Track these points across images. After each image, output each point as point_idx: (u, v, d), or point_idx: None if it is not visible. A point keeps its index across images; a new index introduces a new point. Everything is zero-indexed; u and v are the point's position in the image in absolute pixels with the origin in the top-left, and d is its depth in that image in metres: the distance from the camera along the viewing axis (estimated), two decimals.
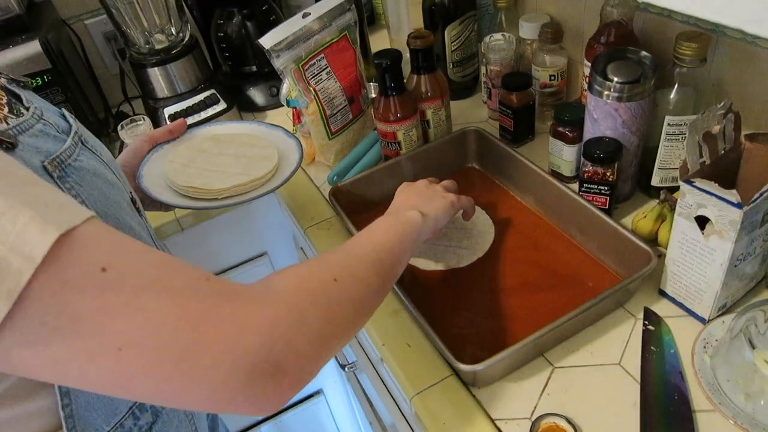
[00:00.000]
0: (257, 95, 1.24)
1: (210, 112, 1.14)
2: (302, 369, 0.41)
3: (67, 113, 0.53)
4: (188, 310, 0.37)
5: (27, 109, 0.47)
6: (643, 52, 0.73)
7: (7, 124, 0.43)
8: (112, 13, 1.09)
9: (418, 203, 0.70)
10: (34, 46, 1.02)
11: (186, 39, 1.15)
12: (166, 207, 0.77)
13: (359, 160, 0.98)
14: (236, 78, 1.25)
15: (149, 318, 0.35)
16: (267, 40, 0.88)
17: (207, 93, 1.16)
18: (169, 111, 1.14)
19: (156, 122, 1.14)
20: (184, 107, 1.14)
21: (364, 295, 0.51)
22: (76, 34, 1.27)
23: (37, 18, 1.13)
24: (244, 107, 1.23)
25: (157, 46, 1.13)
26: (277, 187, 0.78)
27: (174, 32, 1.14)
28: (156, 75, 1.13)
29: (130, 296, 0.35)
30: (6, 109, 0.44)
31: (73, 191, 0.45)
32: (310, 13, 0.92)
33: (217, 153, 0.82)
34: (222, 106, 1.15)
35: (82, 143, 0.50)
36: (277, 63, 0.90)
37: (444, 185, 0.78)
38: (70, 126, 0.51)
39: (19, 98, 0.47)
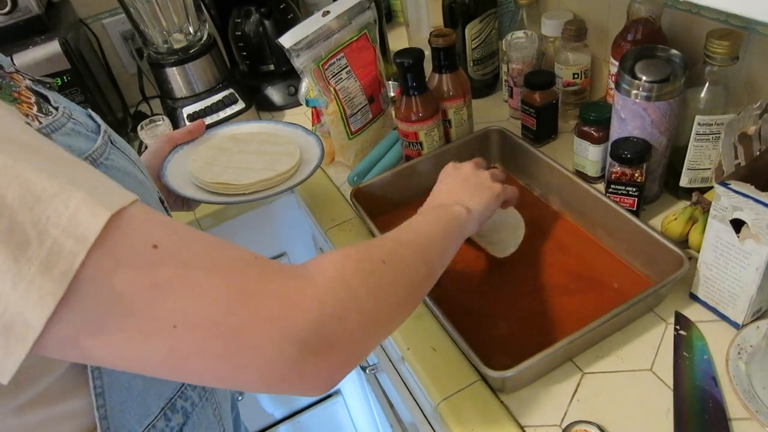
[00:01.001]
0: (275, 94, 1.23)
1: (228, 111, 1.14)
2: (352, 348, 0.41)
3: (93, 113, 0.53)
4: (239, 286, 0.36)
5: (56, 108, 0.46)
6: (673, 50, 0.71)
7: (39, 122, 0.43)
8: (130, 13, 1.09)
9: (464, 196, 0.67)
10: (53, 47, 1.02)
11: (204, 38, 1.15)
12: (188, 206, 0.77)
13: (379, 160, 0.97)
14: (254, 77, 1.25)
15: (201, 295, 0.35)
16: (287, 40, 0.87)
17: (225, 92, 1.15)
18: (187, 111, 1.13)
19: (174, 122, 1.13)
20: (203, 107, 1.13)
21: (413, 280, 0.50)
22: (94, 34, 1.27)
23: (56, 18, 1.13)
24: (262, 106, 1.23)
25: (176, 46, 1.12)
26: (304, 180, 0.79)
27: (192, 31, 1.14)
28: (174, 74, 1.13)
29: (182, 272, 0.35)
30: (35, 108, 0.44)
31: None
32: (329, 12, 0.91)
33: (239, 151, 0.83)
34: (240, 105, 1.14)
35: (111, 143, 0.50)
36: (297, 62, 0.89)
37: (492, 173, 0.74)
38: (99, 126, 0.51)
39: (46, 98, 0.47)
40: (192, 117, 1.12)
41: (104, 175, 0.37)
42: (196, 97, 1.14)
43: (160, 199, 0.58)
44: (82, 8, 1.27)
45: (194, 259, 0.36)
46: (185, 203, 0.76)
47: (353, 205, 0.86)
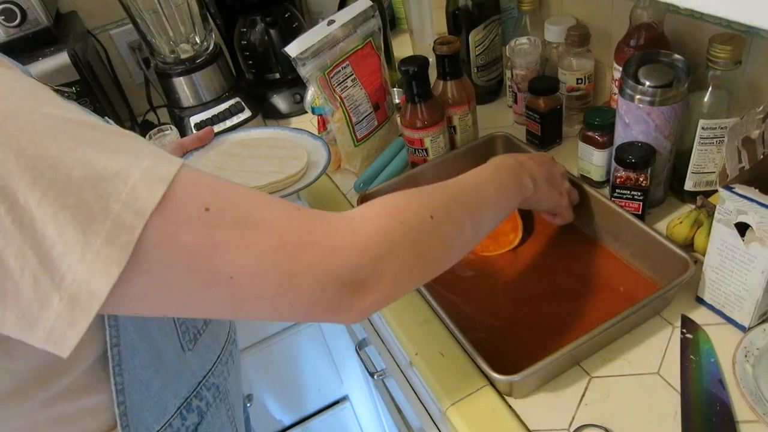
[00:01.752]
0: (281, 102, 1.24)
1: (235, 120, 1.15)
2: (387, 291, 0.45)
3: (110, 120, 0.55)
4: (286, 237, 0.40)
5: None
6: (676, 55, 0.72)
7: None
8: (137, 23, 1.10)
9: (539, 174, 0.68)
10: (62, 58, 1.04)
11: (210, 48, 1.16)
12: None
13: (385, 166, 0.98)
14: (260, 85, 1.26)
15: (252, 249, 0.38)
16: (293, 49, 0.88)
17: (232, 101, 1.16)
18: (194, 119, 1.15)
19: (182, 131, 1.15)
20: (210, 116, 1.14)
21: (456, 239, 0.52)
22: (101, 45, 1.29)
23: (65, 29, 1.14)
24: (268, 114, 1.24)
25: (183, 56, 1.14)
26: (313, 181, 0.81)
27: (198, 41, 1.15)
28: (181, 84, 1.14)
29: (233, 231, 0.38)
30: None
31: None
32: (334, 21, 0.92)
33: (248, 156, 0.85)
34: (247, 113, 1.16)
35: None
36: (303, 71, 0.90)
37: (570, 189, 0.76)
38: None
39: None
40: (199, 126, 1.14)
41: (152, 145, 0.39)
42: (203, 106, 1.16)
43: None
44: (90, 20, 1.29)
45: (243, 217, 0.39)
46: None
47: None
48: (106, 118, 0.56)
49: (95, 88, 1.10)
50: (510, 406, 0.62)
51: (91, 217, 0.33)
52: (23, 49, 1.04)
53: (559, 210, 0.74)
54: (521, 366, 0.59)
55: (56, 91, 0.52)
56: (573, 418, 0.60)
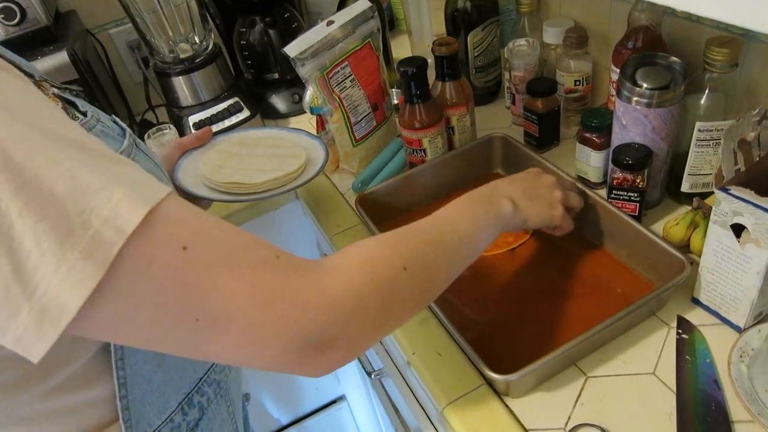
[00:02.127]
0: (280, 102, 1.24)
1: (234, 119, 1.15)
2: (352, 348, 0.45)
3: (117, 119, 0.56)
4: (257, 288, 0.40)
5: (84, 114, 0.48)
6: (673, 58, 0.72)
7: None
8: (137, 23, 1.11)
9: (516, 193, 0.66)
10: (61, 57, 1.04)
11: (210, 48, 1.16)
12: (198, 201, 0.81)
13: (384, 166, 0.98)
14: (258, 85, 1.26)
15: (223, 294, 0.38)
16: (292, 49, 0.88)
17: (230, 101, 1.16)
18: (193, 119, 1.15)
19: (181, 130, 1.15)
20: (208, 115, 1.15)
21: (428, 288, 0.52)
22: (100, 44, 1.29)
23: (64, 28, 1.14)
24: (266, 114, 1.24)
25: (182, 55, 1.14)
26: (312, 177, 0.83)
27: (198, 41, 1.15)
28: (180, 83, 1.15)
29: (208, 274, 0.38)
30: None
31: None
32: (333, 21, 0.92)
33: (247, 154, 0.86)
34: (245, 113, 1.16)
35: (135, 145, 0.53)
36: (302, 71, 0.90)
37: (564, 196, 0.72)
38: (124, 129, 0.54)
39: (74, 104, 0.50)
40: (198, 125, 1.14)
41: (141, 169, 0.40)
42: (202, 106, 1.16)
43: None
44: (89, 18, 1.29)
45: (219, 260, 0.39)
46: (196, 204, 0.78)
47: (358, 211, 0.87)
48: (113, 116, 0.56)
49: (94, 87, 1.10)
50: (507, 406, 0.63)
51: (71, 230, 0.33)
52: (22, 48, 1.04)
53: (554, 223, 0.70)
54: (518, 366, 0.59)
55: (65, 88, 0.52)
56: (569, 417, 0.61)
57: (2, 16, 1.00)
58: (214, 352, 0.40)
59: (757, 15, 0.36)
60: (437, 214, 0.58)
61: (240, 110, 1.16)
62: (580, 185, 0.80)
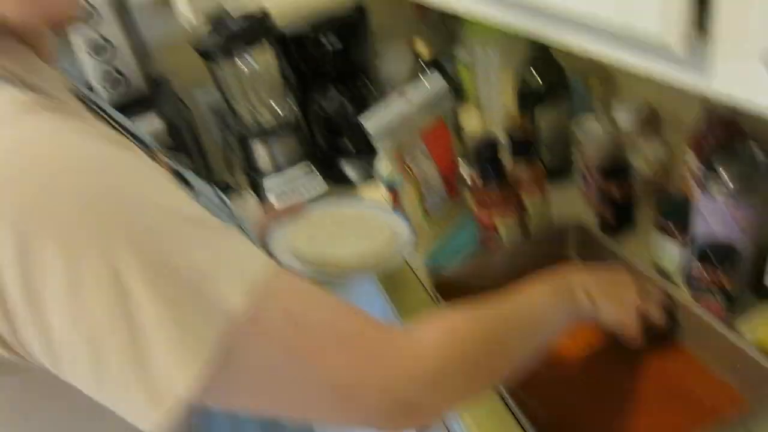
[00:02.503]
0: (352, 170, 1.27)
1: (309, 188, 1.19)
2: (435, 413, 0.50)
3: (219, 191, 0.60)
4: (358, 356, 0.44)
5: (191, 187, 0.52)
6: (755, 147, 0.70)
7: None
8: (223, 91, 1.18)
9: (594, 287, 0.66)
10: (156, 122, 1.11)
11: (288, 115, 1.22)
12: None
13: (455, 243, 0.98)
14: (332, 152, 1.30)
15: (329, 363, 0.42)
16: (371, 123, 0.92)
17: (306, 168, 1.21)
18: (268, 184, 1.19)
19: (257, 194, 1.20)
20: (284, 181, 1.19)
21: (504, 366, 0.56)
22: (187, 107, 1.37)
23: (157, 94, 1.23)
24: (338, 181, 1.27)
25: (262, 122, 1.20)
26: (395, 265, 0.85)
27: (278, 110, 1.21)
28: (259, 149, 1.20)
29: (315, 345, 0.42)
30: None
31: None
32: (408, 96, 0.95)
33: (337, 231, 0.89)
34: (320, 181, 1.20)
35: (235, 219, 0.57)
36: (379, 144, 0.93)
37: (643, 305, 0.70)
38: (226, 204, 0.56)
39: (185, 180, 0.53)
40: (273, 191, 1.18)
41: (251, 244, 0.43)
42: (278, 172, 1.21)
43: None
44: (177, 82, 1.37)
45: (325, 333, 0.43)
46: None
47: (434, 296, 0.87)
48: (216, 188, 0.59)
49: (182, 152, 1.17)
50: None
51: (188, 312, 0.36)
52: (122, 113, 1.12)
53: (625, 328, 0.69)
54: None
55: (173, 157, 0.55)
56: None
57: (108, 83, 1.09)
58: (314, 414, 0.45)
59: None
60: (517, 297, 0.60)
61: (314, 177, 1.20)
62: (667, 298, 0.74)
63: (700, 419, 0.60)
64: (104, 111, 0.52)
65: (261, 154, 1.22)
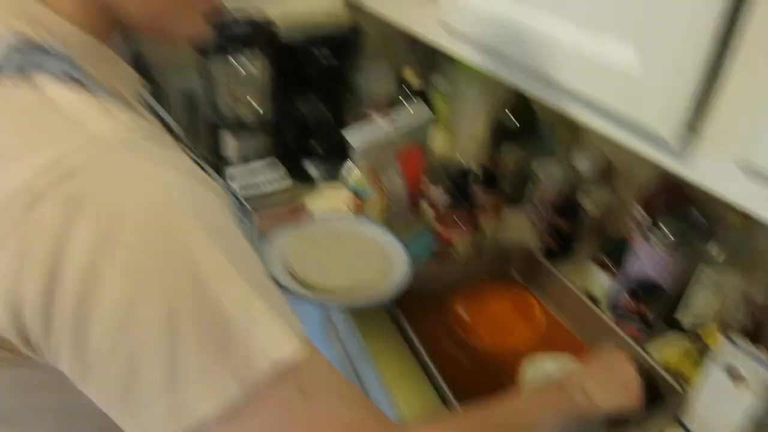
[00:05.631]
0: (316, 170, 1.32)
1: (271, 181, 1.21)
2: None
3: (229, 184, 0.59)
4: None
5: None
6: (697, 214, 0.83)
7: None
8: (207, 82, 1.19)
9: (594, 385, 0.67)
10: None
11: (266, 115, 1.25)
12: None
13: (410, 250, 1.05)
14: (299, 152, 1.34)
15: None
16: (355, 138, 0.98)
17: (271, 162, 1.24)
18: (232, 173, 1.21)
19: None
20: (247, 172, 1.21)
21: None
22: (159, 86, 1.35)
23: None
24: (302, 179, 1.31)
25: (240, 117, 1.22)
26: (386, 300, 0.84)
27: (258, 109, 1.24)
28: (229, 140, 1.22)
29: (315, 424, 0.41)
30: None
31: None
32: (396, 121, 1.02)
33: (334, 251, 0.89)
34: (283, 176, 1.23)
35: (241, 216, 0.58)
36: (357, 159, 1.00)
37: (638, 377, 0.72)
38: (240, 202, 0.57)
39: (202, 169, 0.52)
40: (237, 182, 1.20)
41: (289, 306, 0.43)
42: (245, 164, 1.23)
43: None
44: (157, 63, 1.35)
45: (328, 412, 0.42)
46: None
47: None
48: (226, 183, 0.58)
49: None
50: None
51: (230, 350, 0.37)
52: None
53: (631, 407, 0.69)
54: None
55: (202, 156, 0.56)
56: None
57: None
58: None
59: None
60: (512, 403, 0.61)
61: (280, 173, 1.23)
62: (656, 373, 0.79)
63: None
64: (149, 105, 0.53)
65: (230, 144, 1.24)
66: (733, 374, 0.69)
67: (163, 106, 1.32)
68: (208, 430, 0.38)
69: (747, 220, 0.79)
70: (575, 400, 0.65)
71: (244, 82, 1.18)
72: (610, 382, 0.69)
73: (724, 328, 0.70)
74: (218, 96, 1.21)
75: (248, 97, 1.22)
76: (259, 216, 0.90)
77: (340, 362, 1.07)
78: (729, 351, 0.68)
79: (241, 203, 0.59)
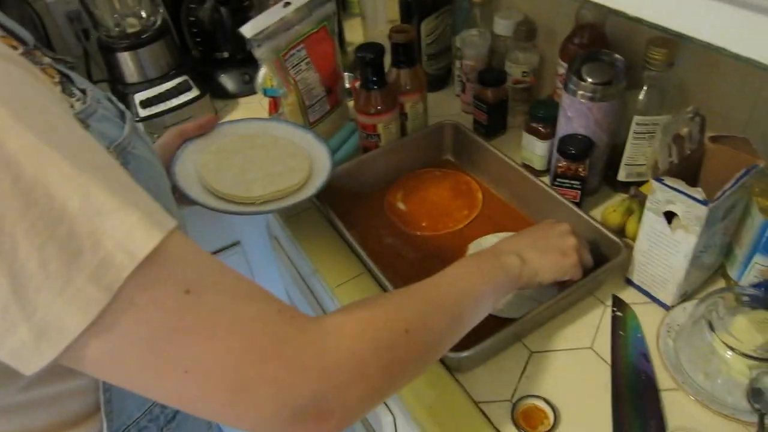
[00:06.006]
0: (229, 82, 1.23)
1: (182, 99, 1.12)
2: (346, 417, 0.41)
3: (112, 97, 0.52)
4: (254, 344, 0.38)
5: (82, 91, 0.46)
6: (616, 55, 0.77)
7: (73, 108, 0.43)
8: None
9: (524, 246, 0.64)
10: None
11: (158, 23, 1.13)
12: (192, 203, 0.76)
13: (337, 150, 0.99)
14: (207, 64, 1.24)
15: (218, 346, 0.36)
16: (248, 29, 0.88)
17: (179, 79, 1.14)
18: (139, 97, 1.12)
19: (127, 107, 1.12)
20: (155, 93, 1.12)
21: (431, 349, 0.50)
22: (37, 14, 1.23)
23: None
24: (215, 94, 1.22)
25: (128, 30, 1.10)
26: (313, 195, 0.78)
27: (145, 15, 1.12)
28: (126, 59, 1.11)
29: (205, 321, 0.36)
30: (59, 89, 0.43)
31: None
32: (290, 3, 0.92)
33: (250, 156, 0.81)
34: (194, 92, 1.14)
35: (135, 130, 0.50)
36: (258, 52, 0.90)
37: (579, 244, 0.68)
38: (122, 111, 0.51)
39: (70, 79, 0.46)
40: (144, 103, 1.11)
41: (151, 197, 0.37)
42: (149, 83, 1.13)
43: (172, 190, 0.58)
44: None
45: (220, 308, 0.37)
46: (191, 202, 0.74)
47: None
48: (109, 95, 0.52)
49: None
50: (457, 380, 0.66)
51: (80, 251, 0.32)
52: None
53: (569, 273, 0.67)
54: (467, 343, 0.62)
55: (58, 59, 0.48)
56: (515, 389, 0.65)
57: None
58: (200, 408, 0.38)
59: (684, 18, 0.40)
60: (441, 274, 0.56)
61: (189, 89, 1.14)
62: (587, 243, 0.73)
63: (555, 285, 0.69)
64: None
65: (128, 65, 1.13)
66: (668, 216, 0.65)
67: (47, 36, 1.20)
68: (88, 348, 0.34)
69: (668, 52, 0.72)
70: (509, 262, 0.61)
71: None
72: (548, 249, 0.66)
73: (655, 171, 0.65)
74: (103, 11, 1.08)
75: (131, 6, 1.09)
76: (164, 132, 0.79)
77: (292, 277, 1.03)
78: (660, 193, 0.64)
79: (117, 107, 0.51)
